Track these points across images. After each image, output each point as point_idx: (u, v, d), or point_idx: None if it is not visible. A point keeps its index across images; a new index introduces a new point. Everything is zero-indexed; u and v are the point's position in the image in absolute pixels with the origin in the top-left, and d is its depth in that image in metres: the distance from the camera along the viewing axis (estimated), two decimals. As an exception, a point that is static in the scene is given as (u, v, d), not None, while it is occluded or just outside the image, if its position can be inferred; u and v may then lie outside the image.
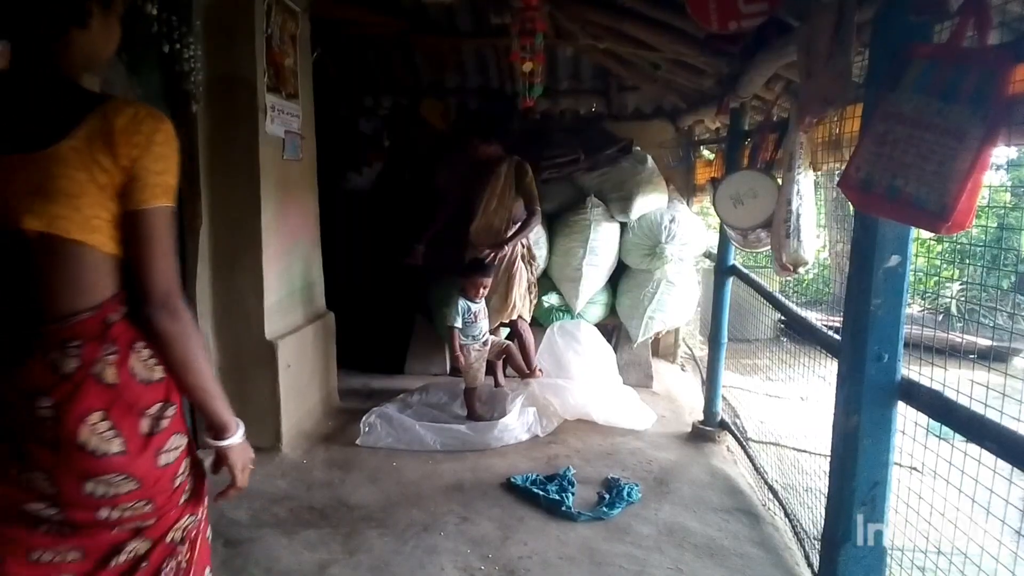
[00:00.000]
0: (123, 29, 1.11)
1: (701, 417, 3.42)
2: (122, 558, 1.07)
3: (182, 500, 1.13)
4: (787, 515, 2.46)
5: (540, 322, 3.91)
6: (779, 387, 4.27)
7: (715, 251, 3.54)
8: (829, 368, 2.23)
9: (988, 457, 1.30)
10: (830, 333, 1.95)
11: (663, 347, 4.78)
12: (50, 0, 0.98)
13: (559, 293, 3.99)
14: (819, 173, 2.24)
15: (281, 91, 2.92)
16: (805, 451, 3.13)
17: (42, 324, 0.98)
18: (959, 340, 2.26)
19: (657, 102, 4.43)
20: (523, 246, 3.58)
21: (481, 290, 3.28)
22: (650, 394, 3.95)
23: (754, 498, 2.70)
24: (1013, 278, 3.85)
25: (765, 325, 4.74)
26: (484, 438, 3.07)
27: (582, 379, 3.52)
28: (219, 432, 1.15)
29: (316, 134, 3.37)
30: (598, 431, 3.31)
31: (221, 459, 1.18)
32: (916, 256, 1.71)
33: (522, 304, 3.56)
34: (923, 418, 1.51)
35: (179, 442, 1.11)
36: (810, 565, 2.14)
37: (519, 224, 3.46)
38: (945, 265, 2.93)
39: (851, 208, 1.68)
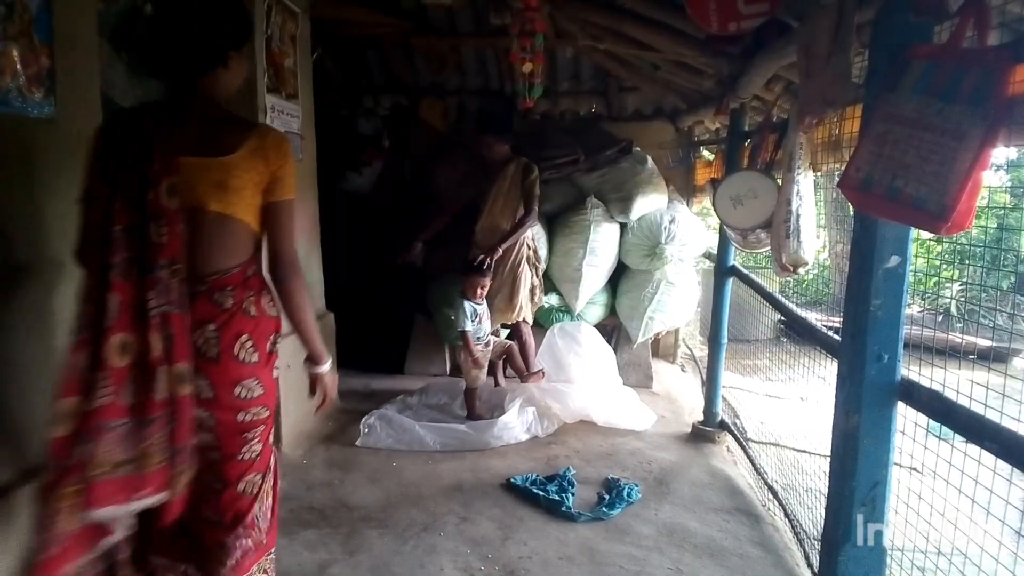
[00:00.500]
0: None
1: (701, 417, 3.42)
2: (244, 456, 1.48)
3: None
4: (787, 515, 2.46)
5: (540, 323, 3.90)
6: (779, 387, 4.27)
7: (715, 251, 3.54)
8: (829, 368, 2.23)
9: (988, 458, 1.30)
10: (830, 333, 1.95)
11: (663, 348, 4.78)
12: (204, 49, 1.37)
13: (559, 293, 3.99)
14: (819, 174, 2.24)
15: (281, 91, 2.92)
16: (805, 451, 3.13)
17: (211, 275, 1.39)
18: (959, 340, 2.26)
19: (657, 103, 4.43)
20: (529, 247, 3.58)
21: (480, 291, 3.28)
22: (650, 394, 3.95)
23: (754, 498, 2.70)
24: (1013, 279, 3.85)
25: (765, 326, 4.75)
26: (483, 437, 3.07)
27: (582, 380, 3.52)
28: (316, 360, 1.58)
29: (316, 134, 3.37)
30: (598, 431, 3.31)
31: (316, 380, 1.61)
32: (916, 257, 1.71)
33: (527, 306, 3.56)
34: (923, 418, 1.51)
35: (279, 367, 1.53)
36: (810, 565, 2.14)
37: (512, 226, 3.45)
38: (945, 266, 2.93)
39: (851, 209, 1.68)
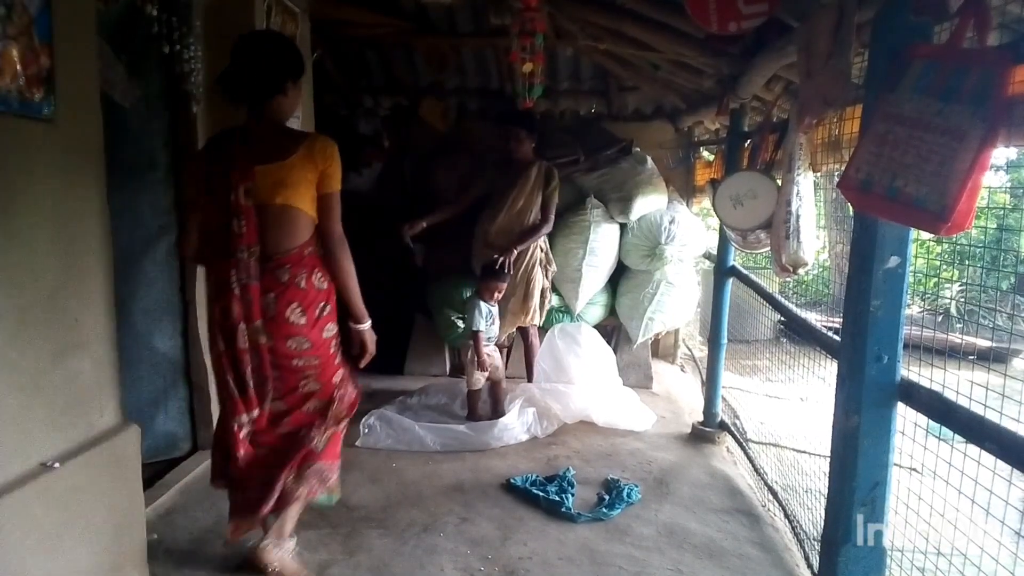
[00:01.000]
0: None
1: (701, 418, 3.42)
2: (301, 390, 1.92)
3: (336, 360, 1.97)
4: (787, 516, 2.46)
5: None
6: (779, 388, 4.27)
7: (715, 252, 3.54)
8: (829, 369, 2.23)
9: (988, 458, 1.30)
10: (830, 334, 1.95)
11: (663, 348, 4.79)
12: (268, 81, 1.80)
13: (559, 294, 3.99)
14: (819, 174, 2.24)
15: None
16: (805, 452, 3.14)
17: (276, 255, 1.80)
18: (959, 341, 2.25)
19: (657, 103, 4.42)
20: (542, 250, 3.57)
21: (497, 294, 3.28)
22: (650, 395, 3.96)
23: (754, 499, 2.70)
24: (1013, 279, 3.85)
25: (765, 326, 4.74)
26: (483, 438, 3.07)
27: (582, 381, 3.52)
28: (358, 319, 1.97)
29: (316, 135, 3.37)
30: (598, 432, 3.31)
31: (357, 336, 1.99)
32: (916, 257, 1.71)
33: (538, 310, 3.55)
34: (923, 419, 1.51)
35: (332, 328, 1.93)
36: (810, 566, 2.14)
37: (523, 230, 3.44)
38: (945, 266, 2.93)
39: (851, 209, 1.68)
